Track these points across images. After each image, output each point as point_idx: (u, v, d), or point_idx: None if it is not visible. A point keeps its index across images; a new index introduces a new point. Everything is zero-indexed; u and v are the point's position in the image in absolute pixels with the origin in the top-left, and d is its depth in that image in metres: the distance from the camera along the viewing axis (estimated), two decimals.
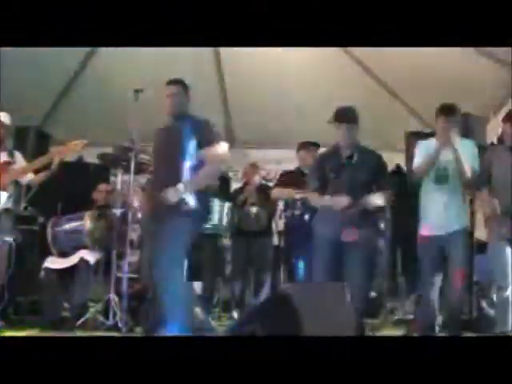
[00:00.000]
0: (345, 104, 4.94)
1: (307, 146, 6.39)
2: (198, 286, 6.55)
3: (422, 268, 5.04)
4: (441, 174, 4.95)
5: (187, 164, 4.47)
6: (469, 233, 5.07)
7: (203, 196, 4.56)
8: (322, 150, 6.43)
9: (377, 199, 4.84)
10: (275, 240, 7.17)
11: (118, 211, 6.02)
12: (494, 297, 5.19)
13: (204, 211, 4.68)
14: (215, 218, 6.10)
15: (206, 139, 4.52)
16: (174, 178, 4.41)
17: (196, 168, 4.48)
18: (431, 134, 5.49)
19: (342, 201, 4.73)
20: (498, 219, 4.93)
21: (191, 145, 4.49)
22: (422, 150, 5.08)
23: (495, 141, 6.93)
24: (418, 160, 5.08)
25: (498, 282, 4.98)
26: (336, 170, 4.88)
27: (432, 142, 5.05)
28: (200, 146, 4.50)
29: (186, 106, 4.77)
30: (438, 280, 4.95)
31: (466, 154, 4.92)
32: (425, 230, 5.02)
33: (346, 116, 4.89)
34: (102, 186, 6.71)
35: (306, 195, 5.30)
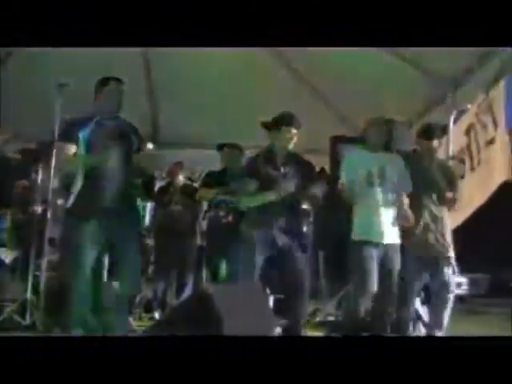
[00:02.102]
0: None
1: (230, 146, 6.42)
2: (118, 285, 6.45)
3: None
4: (374, 178, 4.90)
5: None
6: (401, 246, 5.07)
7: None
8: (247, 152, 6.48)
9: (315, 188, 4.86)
10: (198, 240, 7.16)
11: (38, 208, 5.89)
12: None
13: None
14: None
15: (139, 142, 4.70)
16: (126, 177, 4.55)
17: None
18: (355, 139, 5.57)
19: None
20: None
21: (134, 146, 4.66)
22: (349, 166, 5.07)
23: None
24: (344, 178, 5.04)
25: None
26: (271, 176, 4.86)
27: (360, 156, 5.11)
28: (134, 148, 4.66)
29: None
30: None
31: (393, 166, 4.99)
32: (357, 234, 4.95)
33: (296, 121, 4.92)
34: (21, 182, 6.55)
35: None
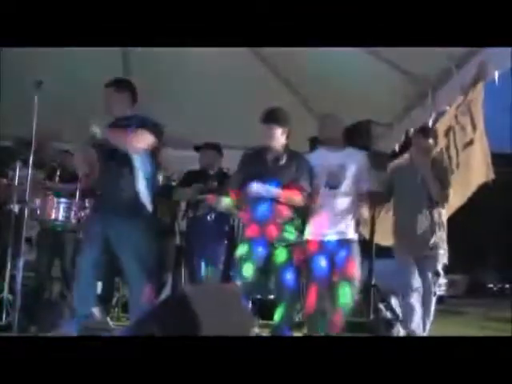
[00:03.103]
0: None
1: (207, 146, 6.41)
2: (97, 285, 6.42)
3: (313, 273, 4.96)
4: (332, 179, 4.89)
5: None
6: (357, 243, 5.08)
7: None
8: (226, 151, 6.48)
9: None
10: (177, 240, 7.13)
11: (15, 207, 5.84)
12: (392, 301, 5.31)
13: None
14: None
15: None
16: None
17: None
18: None
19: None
20: (401, 234, 5.09)
21: None
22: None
23: (397, 149, 7.11)
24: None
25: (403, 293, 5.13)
26: (259, 173, 4.81)
27: (319, 154, 5.10)
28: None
29: None
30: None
31: (353, 163, 4.99)
32: (312, 234, 4.96)
33: (275, 117, 4.87)
34: None
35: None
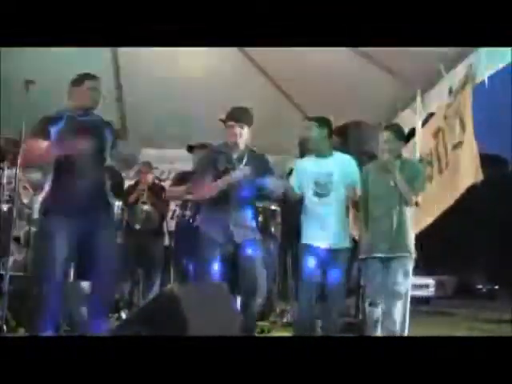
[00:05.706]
0: (238, 105, 4.96)
1: (200, 147, 6.39)
2: (85, 285, 6.39)
3: (302, 276, 5.09)
4: (321, 187, 4.97)
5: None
6: (349, 250, 5.12)
7: None
8: None
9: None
10: (166, 240, 7.13)
11: (4, 206, 5.81)
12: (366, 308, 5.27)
13: None
14: None
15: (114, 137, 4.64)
16: (98, 175, 4.49)
17: None
18: None
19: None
20: (372, 235, 5.07)
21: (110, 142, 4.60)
22: (298, 175, 5.18)
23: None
24: (292, 182, 5.19)
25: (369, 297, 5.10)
26: (224, 170, 4.86)
27: (309, 163, 5.16)
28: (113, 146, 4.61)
29: None
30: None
31: (342, 169, 5.02)
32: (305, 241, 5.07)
33: (239, 116, 4.89)
34: None
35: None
